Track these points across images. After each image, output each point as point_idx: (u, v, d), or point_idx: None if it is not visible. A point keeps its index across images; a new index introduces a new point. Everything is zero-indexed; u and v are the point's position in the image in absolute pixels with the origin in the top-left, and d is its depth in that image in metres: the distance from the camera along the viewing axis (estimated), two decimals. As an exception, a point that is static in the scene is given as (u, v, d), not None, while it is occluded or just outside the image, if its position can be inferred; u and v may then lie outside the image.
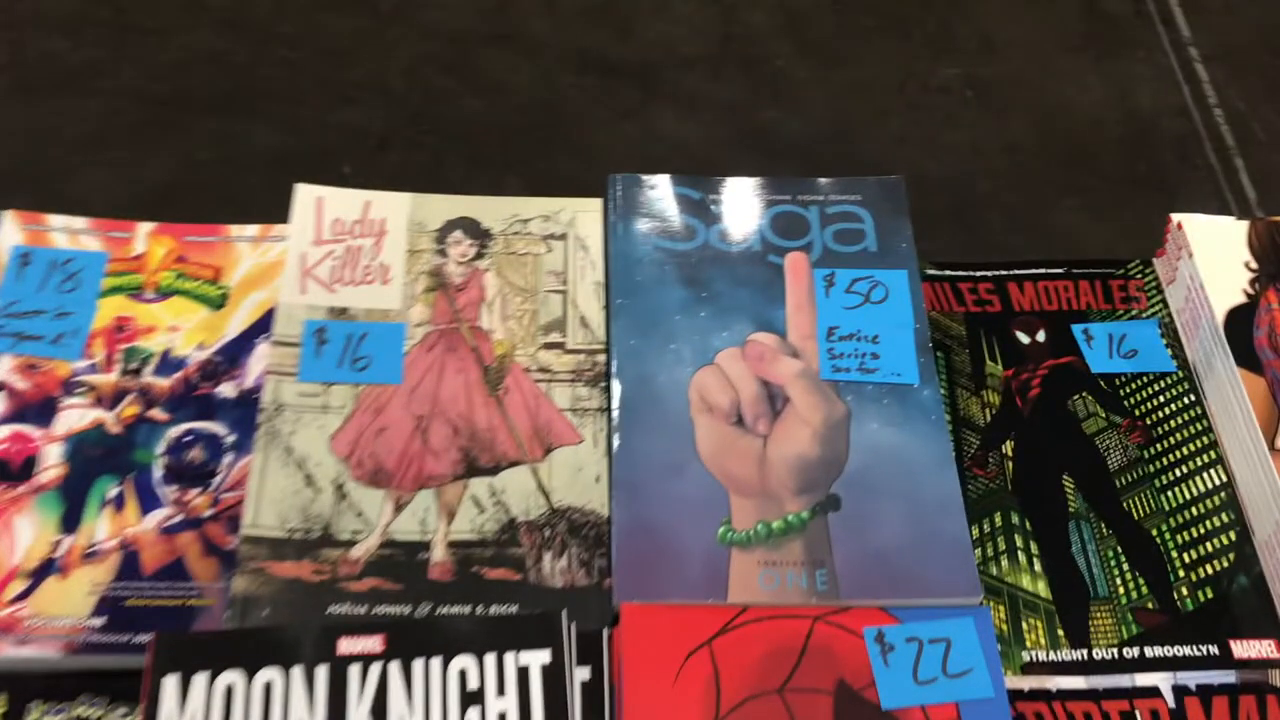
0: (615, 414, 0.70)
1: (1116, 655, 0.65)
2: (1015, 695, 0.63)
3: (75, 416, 0.70)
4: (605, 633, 0.62)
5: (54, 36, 0.87)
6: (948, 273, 0.80)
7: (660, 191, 0.80)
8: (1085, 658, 0.65)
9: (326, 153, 0.80)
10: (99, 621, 0.63)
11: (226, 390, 0.72)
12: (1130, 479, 0.72)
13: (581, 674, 0.61)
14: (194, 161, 0.81)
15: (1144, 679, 0.65)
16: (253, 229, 0.78)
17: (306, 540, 0.65)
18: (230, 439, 0.70)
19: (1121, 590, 0.68)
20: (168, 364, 0.73)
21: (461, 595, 0.64)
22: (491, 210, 0.80)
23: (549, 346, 0.74)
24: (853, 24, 0.94)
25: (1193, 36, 0.96)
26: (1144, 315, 0.79)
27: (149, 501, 0.68)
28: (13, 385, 0.71)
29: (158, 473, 0.69)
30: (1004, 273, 0.81)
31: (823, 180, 0.81)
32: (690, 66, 0.90)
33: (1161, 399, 0.75)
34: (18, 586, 0.64)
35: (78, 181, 0.79)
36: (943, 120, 0.89)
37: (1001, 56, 0.94)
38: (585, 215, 0.80)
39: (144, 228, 0.78)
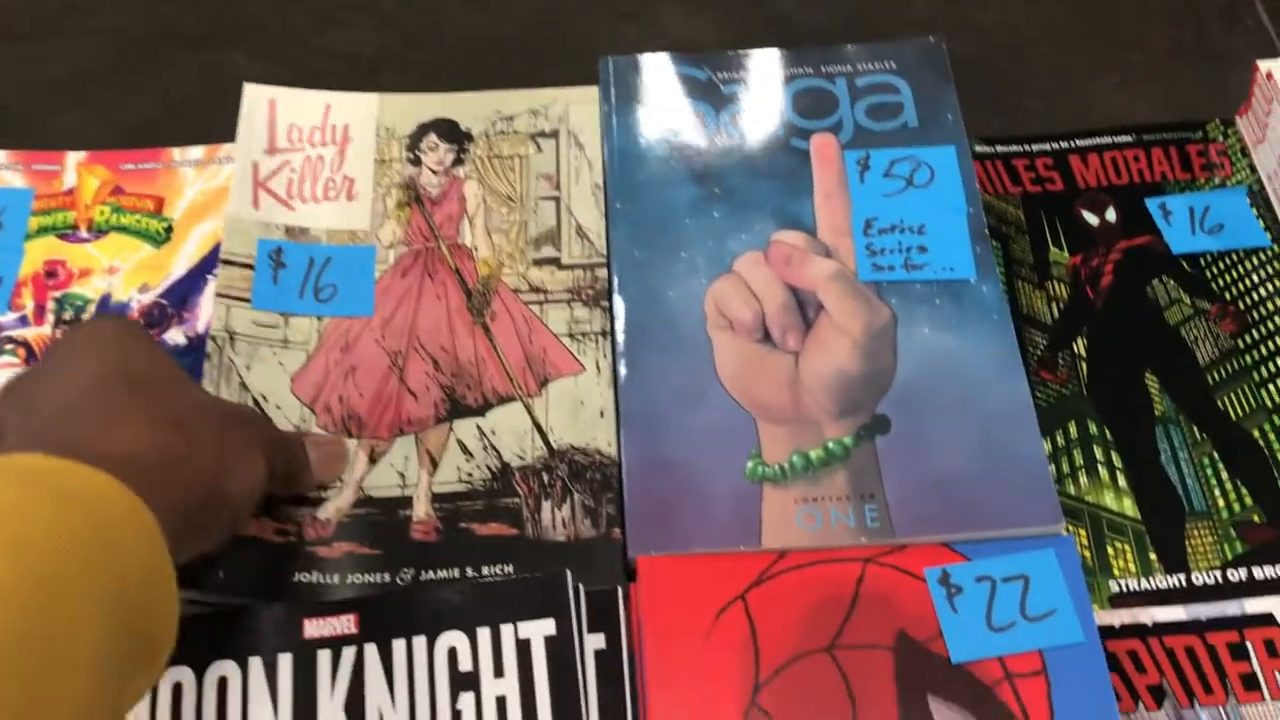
0: (620, 337, 0.63)
1: (1220, 579, 0.58)
2: (1105, 632, 0.56)
3: (4, 377, 0.62)
4: (620, 592, 0.55)
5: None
6: (999, 149, 0.72)
7: (661, 74, 0.71)
8: (1184, 584, 0.58)
9: (315, 78, 0.75)
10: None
11: (175, 337, 0.64)
12: (1224, 374, 0.64)
13: (594, 642, 0.53)
14: (177, 97, 0.76)
15: (1254, 605, 0.57)
16: (197, 150, 0.70)
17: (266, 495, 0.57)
18: (181, 391, 0.62)
19: (1221, 503, 0.60)
20: (107, 311, 0.65)
21: (449, 557, 0.56)
22: (470, 108, 0.71)
23: (541, 263, 0.65)
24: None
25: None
26: (1229, 183, 0.71)
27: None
28: (-67, 345, 0.63)
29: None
30: (1064, 145, 0.73)
31: (850, 47, 0.72)
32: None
33: (1255, 278, 0.67)
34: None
35: (57, 123, 0.73)
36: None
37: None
38: (580, 108, 0.71)
39: (74, 157, 0.70)
